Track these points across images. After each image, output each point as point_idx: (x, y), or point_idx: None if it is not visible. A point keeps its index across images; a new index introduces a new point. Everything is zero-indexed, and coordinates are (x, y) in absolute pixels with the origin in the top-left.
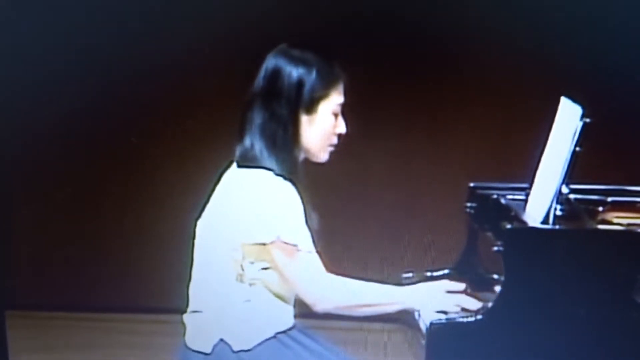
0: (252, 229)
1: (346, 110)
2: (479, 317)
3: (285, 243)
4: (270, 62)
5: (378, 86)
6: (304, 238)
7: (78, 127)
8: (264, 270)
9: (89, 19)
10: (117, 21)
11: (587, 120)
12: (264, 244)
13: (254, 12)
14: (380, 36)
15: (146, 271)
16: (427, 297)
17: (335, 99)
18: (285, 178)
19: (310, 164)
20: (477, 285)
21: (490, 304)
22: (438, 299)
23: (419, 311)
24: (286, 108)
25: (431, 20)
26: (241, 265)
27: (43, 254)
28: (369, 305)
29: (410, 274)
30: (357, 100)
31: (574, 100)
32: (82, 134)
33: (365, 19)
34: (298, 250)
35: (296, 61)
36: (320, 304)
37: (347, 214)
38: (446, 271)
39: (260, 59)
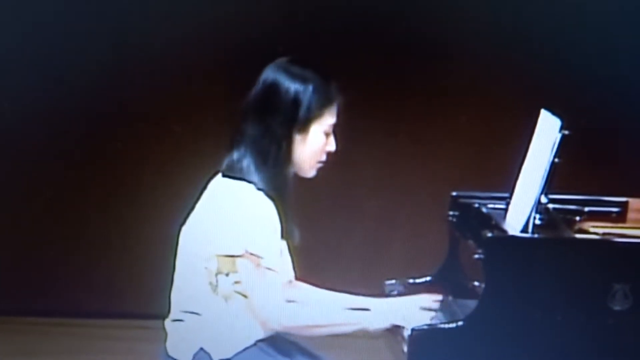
0: (225, 240)
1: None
2: (460, 323)
3: (251, 254)
4: (269, 75)
5: (363, 98)
6: (270, 254)
7: (63, 130)
8: (237, 284)
9: (75, 20)
10: (104, 24)
11: (566, 132)
12: (233, 256)
13: (248, 18)
14: (365, 48)
15: (128, 276)
16: (389, 313)
17: (327, 120)
18: (265, 194)
19: (295, 177)
20: (458, 292)
21: (471, 310)
22: (401, 313)
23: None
24: (281, 126)
25: (416, 34)
26: (215, 277)
27: (22, 259)
28: (323, 326)
29: (392, 282)
30: (342, 111)
31: (554, 112)
32: (67, 137)
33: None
34: (260, 264)
35: (295, 78)
36: (269, 323)
37: (331, 224)
38: (428, 279)
39: (249, 68)
